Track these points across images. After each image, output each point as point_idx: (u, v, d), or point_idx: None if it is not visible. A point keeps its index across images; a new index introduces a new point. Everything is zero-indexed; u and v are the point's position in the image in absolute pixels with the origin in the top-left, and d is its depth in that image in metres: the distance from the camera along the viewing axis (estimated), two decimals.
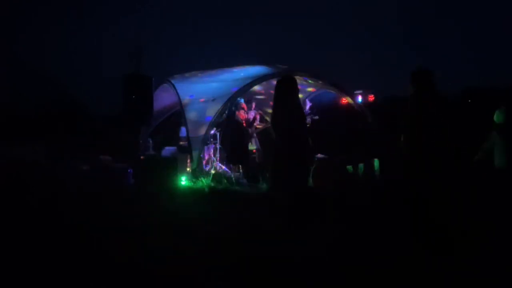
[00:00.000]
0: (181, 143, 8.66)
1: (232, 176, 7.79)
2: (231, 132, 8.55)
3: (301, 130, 4.10)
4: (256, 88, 9.40)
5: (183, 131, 8.51)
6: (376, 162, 7.79)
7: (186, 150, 8.13)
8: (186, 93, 8.69)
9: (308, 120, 7.63)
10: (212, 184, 7.27)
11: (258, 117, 9.41)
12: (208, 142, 8.28)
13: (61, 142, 10.10)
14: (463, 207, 4.34)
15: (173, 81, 9.09)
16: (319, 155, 7.71)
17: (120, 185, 7.36)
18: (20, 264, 3.46)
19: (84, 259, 3.55)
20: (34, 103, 15.53)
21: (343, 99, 9.34)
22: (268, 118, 9.89)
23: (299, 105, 4.24)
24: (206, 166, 8.22)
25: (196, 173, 7.63)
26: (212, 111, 8.11)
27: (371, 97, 9.01)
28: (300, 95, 4.94)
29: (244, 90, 8.39)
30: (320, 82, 9.45)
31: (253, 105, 9.24)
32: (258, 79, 8.59)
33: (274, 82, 8.42)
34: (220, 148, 8.50)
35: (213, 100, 8.26)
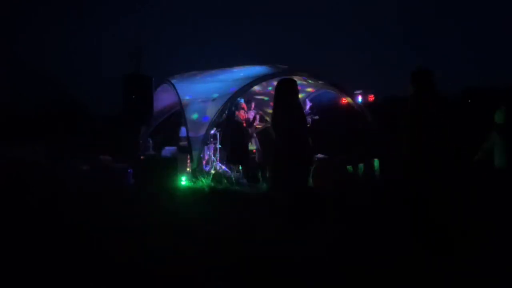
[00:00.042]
0: (181, 143, 8.67)
1: (232, 176, 7.79)
2: (231, 132, 8.55)
3: (301, 130, 4.11)
4: (256, 88, 9.40)
5: (183, 131, 8.52)
6: (376, 162, 7.79)
7: (186, 150, 8.13)
8: (186, 93, 8.69)
9: (308, 120, 7.64)
10: (212, 184, 7.27)
11: (258, 117, 9.41)
12: (208, 142, 8.28)
13: (61, 142, 10.11)
14: (463, 207, 4.34)
15: (173, 81, 9.09)
16: (319, 155, 7.71)
17: (120, 185, 7.36)
18: (20, 264, 3.46)
19: (84, 259, 3.55)
20: (34, 103, 15.53)
21: (343, 99, 9.34)
22: (268, 118, 9.90)
23: (299, 105, 4.26)
24: (206, 166, 8.22)
25: (196, 173, 7.63)
26: (212, 111, 8.11)
27: (371, 97, 9.01)
28: (300, 95, 4.95)
29: (244, 90, 8.39)
30: (320, 82, 9.45)
31: (253, 105, 9.24)
32: (258, 79, 8.59)
33: (274, 82, 8.46)
34: (220, 148, 8.50)
35: (213, 100, 8.26)
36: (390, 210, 4.70)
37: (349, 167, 7.67)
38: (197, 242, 4.03)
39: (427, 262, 3.29)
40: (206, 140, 8.04)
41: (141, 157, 8.03)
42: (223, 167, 8.36)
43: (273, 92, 4.59)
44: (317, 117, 8.63)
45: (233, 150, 8.50)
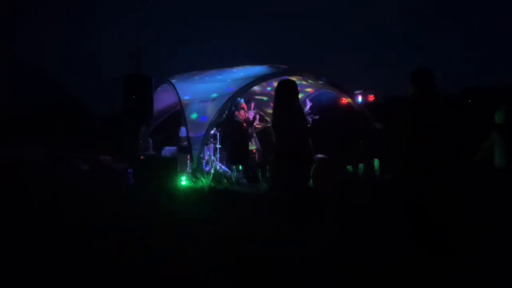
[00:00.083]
0: (181, 143, 8.67)
1: (232, 176, 7.79)
2: (231, 132, 8.55)
3: (301, 131, 4.12)
4: (255, 88, 9.41)
5: (183, 131, 8.52)
6: (376, 162, 7.79)
7: (186, 150, 8.13)
8: (186, 93, 8.69)
9: (309, 119, 7.65)
10: (212, 184, 7.27)
11: (258, 117, 9.42)
12: (208, 142, 8.28)
13: (61, 142, 10.11)
14: (463, 207, 4.33)
15: (173, 81, 9.10)
16: (319, 155, 7.71)
17: (120, 185, 7.36)
18: (20, 264, 3.46)
19: (84, 259, 3.55)
20: (34, 103, 15.54)
21: (343, 99, 9.34)
22: (268, 118, 9.90)
23: (299, 106, 4.28)
24: (206, 166, 8.22)
25: (196, 173, 7.63)
26: (212, 111, 8.11)
27: (371, 97, 9.01)
28: (300, 95, 4.97)
29: (244, 90, 8.39)
30: (320, 82, 9.45)
31: (253, 105, 9.24)
32: (258, 79, 8.59)
33: (272, 82, 8.43)
34: (220, 148, 8.50)
35: (213, 100, 8.27)
36: (390, 210, 4.70)
37: (349, 167, 7.67)
38: (197, 242, 4.03)
39: (427, 262, 3.29)
40: (205, 140, 8.04)
41: (141, 157, 8.02)
42: (223, 167, 8.36)
43: (272, 92, 4.60)
44: (317, 116, 8.64)
45: (233, 150, 8.50)
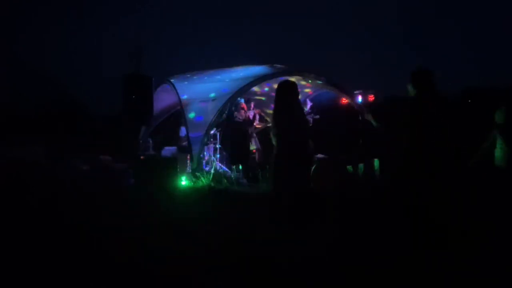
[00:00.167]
0: (181, 143, 8.67)
1: (232, 176, 7.79)
2: (231, 132, 8.55)
3: (301, 131, 4.13)
4: (254, 88, 9.41)
5: (183, 131, 8.52)
6: (376, 162, 7.79)
7: (186, 150, 8.13)
8: (186, 93, 8.70)
9: (310, 119, 7.65)
10: (212, 184, 7.27)
11: (258, 116, 9.42)
12: (208, 142, 8.28)
13: (61, 142, 10.11)
14: (463, 207, 4.34)
15: (173, 81, 9.10)
16: (319, 155, 7.70)
17: (120, 185, 7.36)
18: (20, 264, 3.46)
19: (84, 259, 3.55)
20: (34, 103, 15.54)
21: (343, 99, 9.33)
22: (268, 118, 9.91)
23: (299, 106, 4.30)
24: (206, 166, 8.22)
25: (196, 173, 7.63)
26: (211, 111, 8.11)
27: (371, 97, 9.00)
28: (300, 96, 4.97)
29: (244, 90, 8.39)
30: (320, 82, 9.45)
31: (252, 104, 9.25)
32: (258, 79, 8.59)
33: (270, 83, 8.41)
34: (220, 148, 8.50)
35: (213, 100, 8.27)
36: (390, 210, 4.70)
37: (349, 167, 7.67)
38: (197, 242, 4.03)
39: (427, 262, 3.29)
40: (205, 140, 8.03)
41: (141, 157, 8.02)
42: (223, 167, 8.36)
43: (272, 94, 4.61)
44: (317, 116, 8.63)
45: (233, 150, 8.50)
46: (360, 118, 8.74)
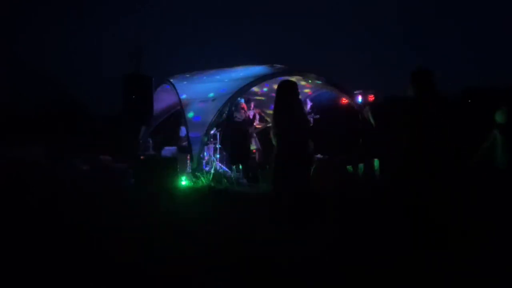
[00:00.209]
0: (181, 143, 8.67)
1: (232, 176, 7.79)
2: (231, 132, 8.55)
3: (301, 131, 4.13)
4: (255, 88, 9.41)
5: (183, 131, 8.52)
6: (376, 162, 7.79)
7: (186, 150, 8.13)
8: (186, 93, 8.70)
9: (310, 119, 7.65)
10: (212, 184, 7.27)
11: (258, 116, 9.42)
12: (208, 142, 8.28)
13: (61, 142, 10.12)
14: (463, 207, 4.33)
15: (173, 81, 9.10)
16: (319, 155, 7.71)
17: (120, 185, 7.36)
18: (20, 264, 3.46)
19: (84, 259, 3.55)
20: (34, 103, 15.54)
21: (343, 99, 9.34)
22: (268, 118, 9.91)
23: (300, 106, 4.29)
24: (206, 166, 8.22)
25: (196, 173, 7.63)
26: (211, 111, 8.11)
27: (371, 97, 8.99)
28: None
29: (244, 90, 8.40)
30: (320, 82, 9.45)
31: (252, 104, 9.25)
32: (258, 79, 8.60)
33: (268, 83, 8.39)
34: (220, 148, 8.50)
35: (213, 100, 8.27)
36: (390, 210, 4.70)
37: (349, 167, 7.67)
38: (197, 242, 4.03)
39: (427, 262, 3.29)
40: (203, 140, 8.02)
41: (141, 157, 8.02)
42: (223, 167, 8.36)
43: (272, 94, 4.62)
44: (318, 116, 8.63)
45: (233, 150, 8.50)
46: (360, 118, 8.74)
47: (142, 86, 7.91)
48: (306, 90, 10.04)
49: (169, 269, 3.35)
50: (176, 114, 9.84)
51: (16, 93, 15.52)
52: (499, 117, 5.22)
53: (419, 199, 3.63)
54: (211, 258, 3.55)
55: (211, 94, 8.41)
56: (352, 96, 9.16)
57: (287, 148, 4.08)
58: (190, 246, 3.88)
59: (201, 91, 8.66)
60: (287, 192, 4.09)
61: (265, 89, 9.97)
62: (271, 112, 6.95)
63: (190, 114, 8.30)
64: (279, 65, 9.32)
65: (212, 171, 7.84)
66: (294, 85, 4.27)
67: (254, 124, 9.11)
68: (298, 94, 4.28)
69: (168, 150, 8.80)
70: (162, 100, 9.58)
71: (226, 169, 8.32)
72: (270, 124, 4.97)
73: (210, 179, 7.45)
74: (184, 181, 7.45)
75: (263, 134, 9.32)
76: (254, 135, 9.30)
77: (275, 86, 4.39)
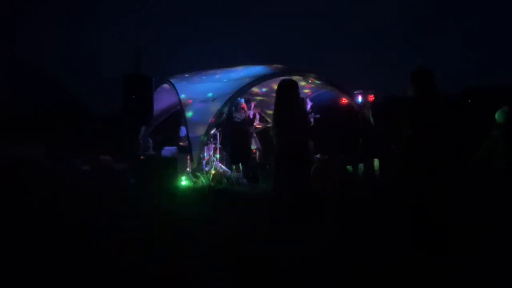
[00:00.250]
0: (181, 143, 8.67)
1: (232, 176, 7.79)
2: (231, 132, 8.55)
3: (301, 131, 4.12)
4: (255, 88, 9.41)
5: (183, 131, 8.52)
6: (376, 162, 7.79)
7: (186, 150, 8.13)
8: (186, 93, 8.70)
9: (311, 118, 7.65)
10: (212, 184, 7.27)
11: (258, 116, 9.41)
12: (208, 142, 8.28)
13: (61, 142, 10.13)
14: (463, 207, 4.34)
15: (173, 81, 9.10)
16: (319, 155, 7.71)
17: (120, 185, 7.36)
18: (20, 264, 3.46)
19: (84, 259, 3.55)
20: (34, 103, 15.55)
21: (343, 99, 9.33)
22: (268, 119, 9.91)
23: (300, 106, 4.28)
24: (206, 166, 8.22)
25: (196, 173, 7.62)
26: (210, 111, 8.11)
27: (371, 97, 9.00)
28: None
29: (244, 90, 8.40)
30: (320, 82, 9.45)
31: (253, 104, 9.25)
32: (258, 79, 8.60)
33: (267, 84, 8.34)
34: (220, 148, 8.50)
35: (213, 100, 8.27)
36: (390, 210, 4.70)
37: (349, 167, 7.67)
38: (197, 242, 4.03)
39: (427, 262, 3.29)
40: (203, 140, 8.02)
41: (141, 157, 8.03)
42: (223, 167, 8.36)
43: (269, 93, 4.61)
44: (318, 115, 8.63)
45: (233, 150, 8.50)
46: (360, 117, 8.74)
47: (142, 86, 7.90)
48: (306, 90, 10.03)
49: (169, 269, 3.35)
50: (176, 114, 9.83)
51: (16, 93, 15.53)
52: (499, 117, 5.22)
53: (419, 199, 3.63)
54: (211, 258, 3.55)
55: (210, 94, 8.40)
56: (352, 96, 9.17)
57: (287, 148, 4.07)
58: (190, 246, 3.88)
59: (201, 91, 8.66)
60: (287, 192, 4.09)
61: (263, 89, 9.97)
62: (271, 112, 6.96)
63: (189, 114, 8.30)
64: (280, 65, 9.31)
65: (212, 171, 7.83)
66: (294, 84, 4.25)
67: (254, 124, 9.11)
68: (298, 93, 4.27)
69: (168, 150, 8.80)
70: (162, 100, 9.58)
71: (226, 169, 8.32)
72: (270, 125, 4.97)
73: (210, 179, 7.45)
74: (184, 181, 7.45)
75: (263, 134, 9.32)
76: (254, 135, 9.30)
77: (275, 86, 4.38)
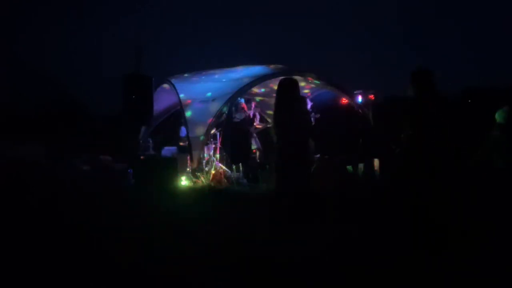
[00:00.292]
0: (181, 143, 8.66)
1: (232, 176, 7.79)
2: (231, 132, 8.55)
3: (301, 130, 4.12)
4: (255, 88, 9.40)
5: (183, 131, 8.51)
6: (376, 162, 7.79)
7: (186, 150, 8.13)
8: (186, 93, 8.69)
9: (312, 118, 7.64)
10: (212, 184, 7.27)
11: (258, 116, 9.41)
12: (208, 142, 8.28)
13: (61, 142, 10.13)
14: (463, 207, 4.33)
15: (173, 81, 9.09)
16: (319, 155, 7.70)
17: (120, 185, 7.36)
18: (20, 264, 3.46)
19: (84, 259, 3.55)
20: (34, 103, 15.56)
21: (343, 99, 9.33)
22: (268, 119, 9.90)
23: (300, 105, 4.28)
24: (206, 166, 8.22)
25: (196, 173, 7.62)
26: (210, 111, 8.11)
27: (371, 97, 9.00)
28: None
29: (244, 90, 8.39)
30: (320, 82, 9.45)
31: (253, 104, 9.25)
32: (258, 79, 8.59)
33: (271, 83, 8.33)
34: (220, 148, 8.50)
35: (213, 100, 8.26)
36: (390, 210, 4.70)
37: (349, 167, 7.67)
38: (197, 242, 4.03)
39: (427, 262, 3.29)
40: (203, 140, 8.01)
41: (141, 157, 8.03)
42: (223, 167, 8.35)
43: (270, 93, 4.60)
44: (318, 115, 8.63)
45: (233, 150, 8.49)
46: (360, 117, 8.74)
47: (142, 86, 7.90)
48: (306, 91, 10.03)
49: (169, 269, 3.35)
50: (176, 114, 9.83)
51: (16, 93, 15.54)
52: (499, 117, 5.23)
53: (419, 199, 3.63)
54: (211, 258, 3.55)
55: (209, 94, 8.40)
56: (352, 96, 9.17)
57: (287, 148, 4.07)
58: (190, 246, 3.88)
59: (200, 91, 8.65)
60: (287, 192, 4.09)
61: (263, 89, 9.97)
62: (271, 112, 6.96)
63: (188, 113, 8.29)
64: (280, 65, 9.31)
65: (212, 171, 7.83)
66: (295, 83, 4.24)
67: (254, 124, 9.11)
68: (299, 92, 4.26)
69: (168, 150, 8.80)
70: (162, 100, 9.57)
71: (226, 169, 8.31)
72: (270, 125, 4.97)
73: (210, 179, 7.45)
74: (184, 181, 7.44)
75: (263, 134, 9.31)
76: (254, 135, 9.29)
77: (275, 86, 4.38)
